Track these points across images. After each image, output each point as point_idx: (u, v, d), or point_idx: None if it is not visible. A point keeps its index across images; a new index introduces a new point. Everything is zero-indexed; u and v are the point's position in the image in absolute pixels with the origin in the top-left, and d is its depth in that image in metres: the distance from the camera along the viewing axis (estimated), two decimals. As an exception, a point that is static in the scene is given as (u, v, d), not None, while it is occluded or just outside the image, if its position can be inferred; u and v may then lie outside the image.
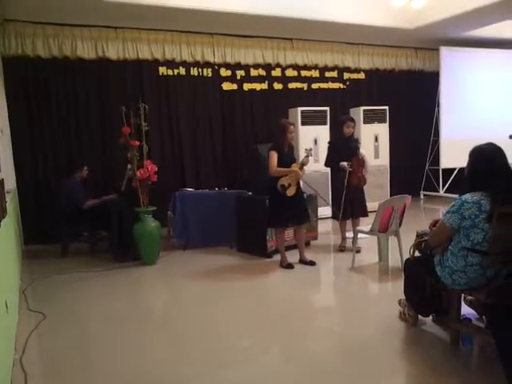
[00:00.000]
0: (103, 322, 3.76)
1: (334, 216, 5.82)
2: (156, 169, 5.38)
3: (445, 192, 9.10)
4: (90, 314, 3.97)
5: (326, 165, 5.71)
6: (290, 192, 4.84)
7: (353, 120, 5.59)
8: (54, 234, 6.05)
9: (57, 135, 6.65)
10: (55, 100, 6.62)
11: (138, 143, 5.29)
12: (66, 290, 4.59)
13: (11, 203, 4.75)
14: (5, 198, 3.79)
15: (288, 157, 4.94)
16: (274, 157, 4.83)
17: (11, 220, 4.66)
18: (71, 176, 5.95)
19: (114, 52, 6.83)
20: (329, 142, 5.83)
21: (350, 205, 5.42)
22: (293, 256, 5.19)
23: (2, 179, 3.82)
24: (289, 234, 5.38)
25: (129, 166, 5.43)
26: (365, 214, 5.57)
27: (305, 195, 5.43)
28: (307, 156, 4.93)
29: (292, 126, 4.95)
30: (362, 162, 5.45)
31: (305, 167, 4.95)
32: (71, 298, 4.37)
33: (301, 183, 5.10)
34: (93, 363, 3.07)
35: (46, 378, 2.97)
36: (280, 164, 4.83)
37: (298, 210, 4.96)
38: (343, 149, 5.44)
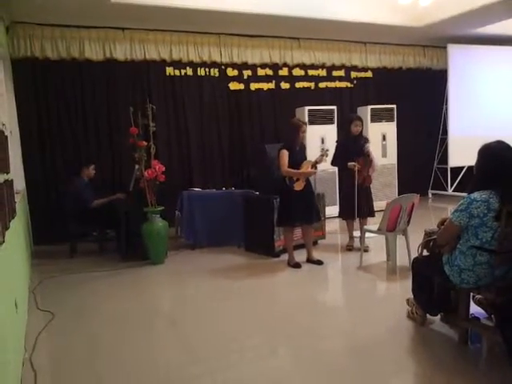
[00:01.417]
0: (111, 322, 3.79)
1: (341, 215, 5.81)
2: (163, 169, 5.41)
3: (453, 191, 9.04)
4: (98, 314, 3.99)
5: (333, 164, 5.69)
6: (298, 186, 4.83)
7: (360, 119, 5.57)
8: (63, 234, 6.09)
9: (65, 136, 6.70)
10: (63, 101, 6.67)
11: (145, 143, 5.31)
12: (74, 290, 4.63)
13: (20, 204, 4.80)
14: (14, 199, 3.83)
15: (299, 155, 4.92)
16: (285, 156, 4.82)
17: (20, 220, 4.70)
18: (78, 175, 5.99)
19: (121, 53, 6.86)
20: (337, 141, 5.81)
21: (356, 204, 5.40)
22: (300, 255, 5.19)
23: (12, 180, 3.85)
24: (296, 233, 5.37)
25: (136, 167, 5.46)
26: (371, 214, 5.55)
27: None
28: (322, 155, 4.93)
29: (305, 126, 4.92)
30: (369, 162, 5.43)
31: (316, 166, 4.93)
32: (80, 298, 4.40)
33: (311, 181, 5.07)
34: (101, 362, 3.09)
35: (56, 376, 3.00)
36: (291, 163, 4.82)
37: (308, 209, 4.95)
38: (351, 148, 5.43)
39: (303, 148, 5.05)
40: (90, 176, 6.08)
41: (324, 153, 4.97)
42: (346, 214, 5.65)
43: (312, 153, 5.45)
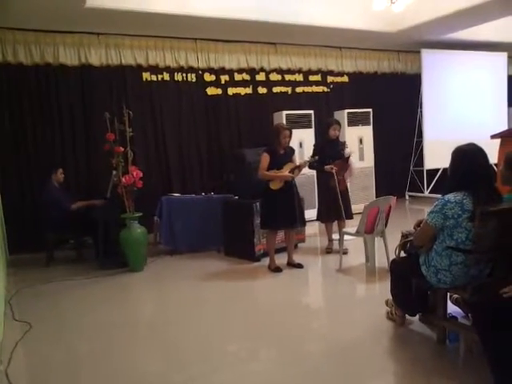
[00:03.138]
0: (91, 331, 3.73)
1: (319, 218, 5.85)
2: (141, 175, 5.36)
3: (429, 192, 9.20)
4: (77, 323, 3.92)
5: (310, 167, 5.73)
6: (274, 185, 4.86)
7: (339, 123, 5.66)
8: (39, 242, 5.97)
9: (40, 143, 6.57)
10: (38, 107, 6.54)
11: (122, 149, 5.26)
12: (52, 299, 4.54)
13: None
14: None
15: (283, 159, 4.92)
16: (264, 160, 4.85)
17: (-5, 229, 4.60)
18: (48, 182, 5.86)
19: (96, 58, 6.78)
20: (314, 145, 5.86)
21: (333, 207, 5.45)
22: (280, 259, 5.20)
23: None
24: (277, 236, 5.37)
25: (114, 173, 5.40)
26: (349, 216, 5.61)
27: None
28: (306, 162, 5.05)
29: (287, 131, 4.91)
30: (346, 167, 5.50)
31: (298, 171, 4.96)
32: (58, 307, 4.32)
33: (297, 184, 5.10)
34: (81, 373, 3.03)
35: (33, 388, 2.94)
36: (273, 166, 4.86)
37: (292, 212, 4.94)
38: (328, 151, 5.48)
39: (290, 152, 5.04)
40: (60, 180, 5.95)
41: (310, 160, 5.08)
42: (323, 216, 5.70)
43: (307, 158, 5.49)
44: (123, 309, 4.25)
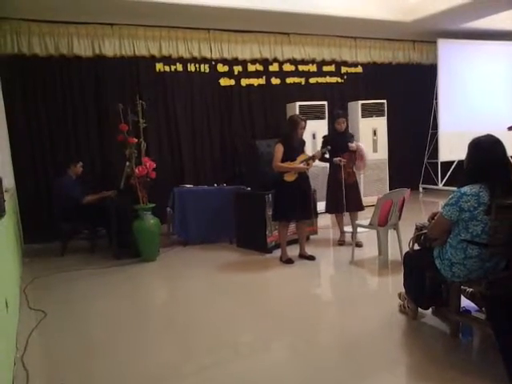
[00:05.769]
0: (104, 320, 3.77)
1: (327, 209, 5.82)
2: (154, 165, 5.38)
3: (444, 185, 9.10)
4: (90, 312, 3.97)
5: (321, 159, 5.69)
6: (289, 177, 4.84)
7: (344, 116, 5.64)
8: (54, 232, 6.05)
9: (55, 133, 6.64)
10: (52, 98, 6.60)
11: (135, 140, 5.28)
12: (66, 288, 4.60)
13: (10, 202, 4.75)
14: (3, 197, 3.78)
15: (296, 151, 4.92)
16: (279, 151, 4.83)
17: (10, 219, 4.66)
18: (65, 173, 5.93)
19: (110, 49, 6.80)
20: (324, 137, 5.83)
21: (342, 199, 5.42)
22: (292, 251, 5.20)
23: (0, 178, 3.81)
24: (289, 228, 5.36)
25: (127, 164, 5.42)
26: (360, 208, 5.58)
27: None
28: (321, 152, 5.03)
29: (303, 123, 4.92)
30: (354, 158, 5.47)
31: (312, 161, 4.96)
32: (72, 296, 4.37)
33: (309, 177, 5.09)
34: (94, 361, 3.07)
35: (48, 376, 2.98)
36: (287, 158, 4.84)
37: (305, 204, 4.94)
38: (337, 143, 5.44)
39: (302, 143, 5.06)
40: (78, 173, 6.03)
41: (323, 150, 5.05)
42: (330, 208, 5.67)
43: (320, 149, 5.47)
44: (136, 298, 4.29)
